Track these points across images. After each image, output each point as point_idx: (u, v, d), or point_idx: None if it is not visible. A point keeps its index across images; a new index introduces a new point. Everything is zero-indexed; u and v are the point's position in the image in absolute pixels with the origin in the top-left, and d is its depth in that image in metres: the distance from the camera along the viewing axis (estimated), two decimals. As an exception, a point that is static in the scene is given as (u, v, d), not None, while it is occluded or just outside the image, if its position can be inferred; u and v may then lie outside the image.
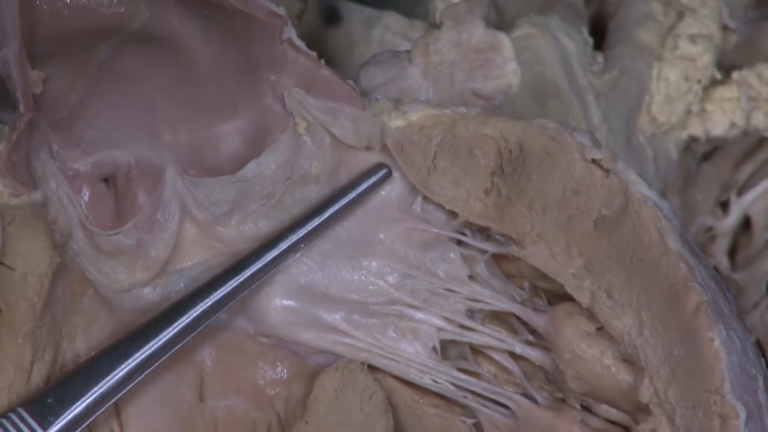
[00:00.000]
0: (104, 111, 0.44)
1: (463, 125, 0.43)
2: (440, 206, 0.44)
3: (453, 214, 0.44)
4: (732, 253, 0.62)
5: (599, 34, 0.58)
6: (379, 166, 0.44)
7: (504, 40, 0.44)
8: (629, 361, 0.41)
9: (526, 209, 0.42)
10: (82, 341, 0.43)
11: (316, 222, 0.44)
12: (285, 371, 0.45)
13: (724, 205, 0.62)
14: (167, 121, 0.45)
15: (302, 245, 0.44)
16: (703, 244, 0.61)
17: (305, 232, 0.43)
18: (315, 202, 0.44)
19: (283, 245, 0.43)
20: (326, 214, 0.44)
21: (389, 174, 0.44)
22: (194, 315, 0.42)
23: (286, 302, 0.44)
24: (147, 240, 0.44)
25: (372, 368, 0.44)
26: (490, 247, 0.44)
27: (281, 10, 0.42)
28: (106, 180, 0.45)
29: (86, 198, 0.44)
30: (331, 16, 0.62)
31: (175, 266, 0.44)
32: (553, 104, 0.52)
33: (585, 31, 0.55)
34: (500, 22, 0.58)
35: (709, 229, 0.61)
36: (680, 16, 0.57)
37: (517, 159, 0.42)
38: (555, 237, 0.41)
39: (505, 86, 0.44)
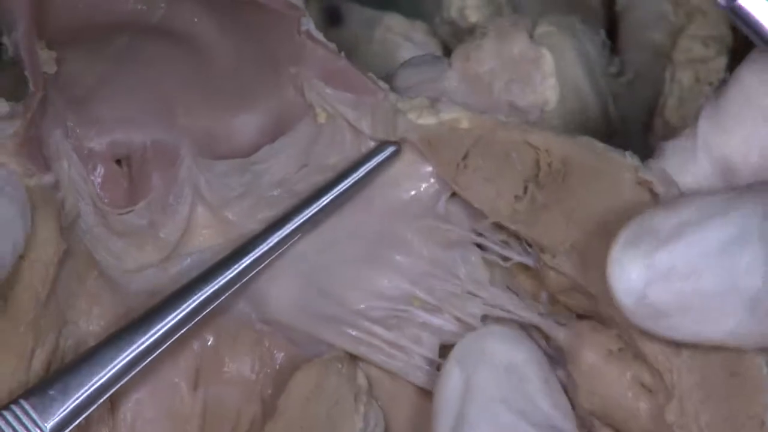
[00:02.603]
0: (122, 92, 0.44)
1: (504, 131, 0.42)
2: (465, 209, 0.44)
3: (480, 216, 0.43)
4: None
5: (611, 35, 0.58)
6: (387, 143, 0.43)
7: (546, 55, 0.44)
8: (647, 385, 0.40)
9: (563, 219, 0.41)
10: (84, 324, 0.43)
11: (323, 202, 0.43)
12: (279, 361, 0.45)
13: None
14: (184, 107, 0.45)
15: (309, 226, 0.43)
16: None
17: (311, 212, 0.43)
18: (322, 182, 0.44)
19: (289, 227, 0.42)
20: (333, 194, 0.43)
21: (398, 152, 0.43)
22: (198, 300, 0.41)
23: (291, 289, 0.44)
24: (159, 221, 0.44)
25: (360, 359, 0.44)
26: (515, 255, 0.43)
27: (299, 2, 0.42)
28: (119, 161, 0.45)
29: (100, 177, 0.44)
30: (333, 17, 0.61)
31: (186, 249, 0.44)
32: (572, 103, 0.51)
33: (603, 33, 0.55)
34: (518, 21, 0.58)
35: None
36: (690, 17, 0.57)
37: (558, 173, 0.41)
38: (590, 249, 0.40)
39: (542, 102, 0.44)
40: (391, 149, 0.43)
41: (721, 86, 0.40)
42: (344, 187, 0.43)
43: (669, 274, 0.35)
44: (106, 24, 0.42)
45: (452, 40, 0.59)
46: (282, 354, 0.44)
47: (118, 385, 0.40)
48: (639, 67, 0.56)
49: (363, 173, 0.43)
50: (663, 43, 0.56)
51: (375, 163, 0.43)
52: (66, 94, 0.43)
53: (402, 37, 0.60)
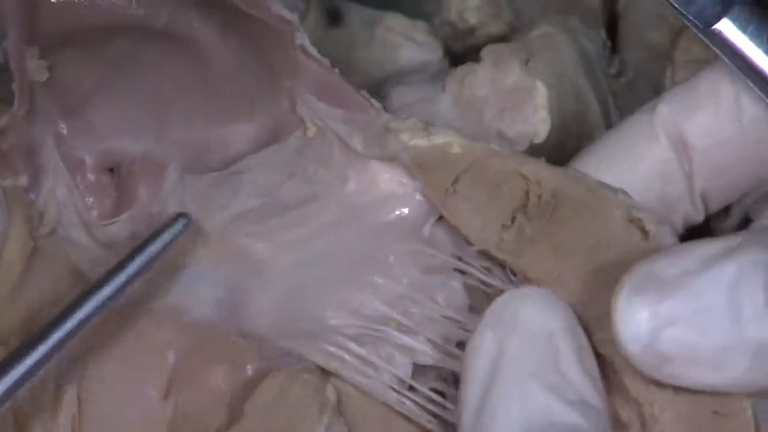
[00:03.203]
0: (116, 101, 0.44)
1: (496, 159, 0.42)
2: (450, 234, 0.43)
3: (465, 243, 0.43)
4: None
5: (611, 35, 0.58)
6: (180, 215, 0.43)
7: (540, 87, 0.44)
8: (622, 420, 0.40)
9: (550, 252, 0.41)
10: None
11: (115, 284, 0.41)
12: (250, 372, 0.44)
13: (726, 208, 0.62)
14: (179, 116, 0.45)
15: (106, 305, 0.41)
16: (706, 245, 0.61)
17: (104, 297, 0.41)
18: (114, 261, 0.42)
19: (77, 316, 0.40)
20: (125, 274, 0.41)
21: (188, 224, 0.43)
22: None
23: (269, 303, 0.44)
24: (141, 233, 0.44)
25: (334, 376, 0.43)
26: (498, 282, 0.43)
27: (293, 17, 0.42)
28: (111, 169, 0.45)
29: (88, 186, 0.44)
30: (333, 17, 0.61)
31: (170, 263, 0.44)
32: (573, 104, 0.51)
33: (603, 33, 0.55)
34: (517, 22, 0.58)
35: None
36: (689, 16, 0.57)
37: (548, 205, 0.41)
38: (576, 282, 0.41)
39: (532, 133, 0.45)
40: (182, 222, 0.43)
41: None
42: (137, 266, 0.42)
43: (675, 322, 0.36)
44: (107, 27, 0.42)
45: (453, 41, 0.59)
46: (253, 366, 0.44)
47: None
48: (639, 67, 0.56)
49: (158, 247, 0.42)
50: (663, 43, 0.56)
51: (169, 237, 0.42)
52: (60, 101, 0.43)
53: (403, 37, 0.60)
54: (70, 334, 0.40)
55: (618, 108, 0.54)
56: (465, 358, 0.39)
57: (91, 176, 0.45)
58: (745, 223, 0.62)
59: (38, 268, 0.42)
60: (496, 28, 0.57)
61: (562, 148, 0.51)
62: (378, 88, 0.55)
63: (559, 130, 0.51)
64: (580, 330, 0.40)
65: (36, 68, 0.42)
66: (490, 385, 0.38)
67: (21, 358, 0.39)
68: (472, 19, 0.57)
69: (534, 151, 0.50)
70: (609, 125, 0.52)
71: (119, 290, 0.41)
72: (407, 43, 0.60)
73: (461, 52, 0.58)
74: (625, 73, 0.55)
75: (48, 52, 0.42)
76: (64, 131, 0.44)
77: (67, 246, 0.44)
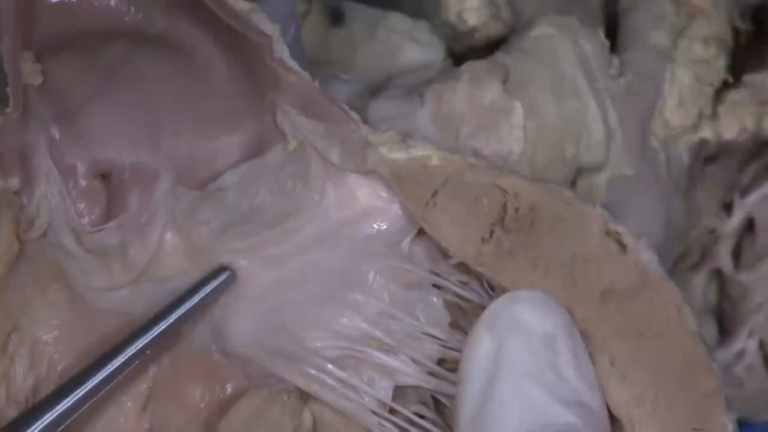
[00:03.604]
0: (109, 109, 0.44)
1: (474, 173, 0.42)
2: (427, 250, 0.43)
3: (443, 257, 0.43)
4: (736, 254, 0.62)
5: (611, 35, 0.58)
6: (221, 269, 0.43)
7: (517, 107, 0.44)
8: None
9: (528, 266, 0.41)
10: (37, 331, 0.43)
11: (153, 334, 0.42)
12: (229, 391, 0.44)
13: (728, 207, 0.62)
14: (170, 127, 0.45)
15: (146, 352, 0.42)
16: (707, 245, 0.61)
17: (142, 344, 0.42)
18: (155, 309, 0.43)
19: (118, 361, 0.41)
20: (165, 324, 0.42)
21: (232, 278, 0.43)
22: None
23: (253, 324, 0.43)
24: (129, 242, 0.44)
25: (313, 399, 0.43)
26: (475, 297, 0.43)
27: (274, 29, 0.42)
28: (103, 176, 0.45)
29: (80, 192, 0.44)
30: (335, 17, 0.61)
31: (156, 273, 0.44)
32: (571, 104, 0.51)
33: (601, 33, 0.55)
34: (516, 22, 0.58)
35: (713, 230, 0.61)
36: (691, 17, 0.56)
37: (525, 218, 0.41)
38: (555, 297, 0.41)
39: (507, 152, 0.44)
40: (225, 275, 0.43)
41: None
42: (178, 316, 0.43)
43: None
44: (102, 33, 0.42)
45: (453, 42, 0.59)
46: (233, 385, 0.44)
47: None
48: (639, 67, 0.55)
49: (198, 300, 0.43)
50: (663, 43, 0.56)
51: (209, 290, 0.43)
52: (54, 106, 0.43)
53: (405, 37, 0.60)
54: (103, 382, 0.41)
55: (617, 109, 0.53)
56: (462, 359, 0.39)
57: (82, 182, 0.45)
58: (748, 223, 0.62)
59: (23, 271, 0.42)
60: (495, 29, 0.57)
61: (561, 147, 0.51)
62: (380, 89, 0.55)
63: (557, 131, 0.51)
64: (576, 331, 0.40)
65: (31, 71, 0.41)
66: (488, 386, 0.38)
67: (52, 405, 0.40)
68: (471, 20, 0.57)
69: (531, 152, 0.50)
70: (607, 126, 0.52)
71: (158, 338, 0.42)
72: (409, 43, 0.60)
73: (462, 53, 0.58)
74: (625, 73, 0.55)
75: (42, 56, 0.42)
76: (57, 136, 0.44)
77: (56, 251, 0.44)
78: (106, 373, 0.41)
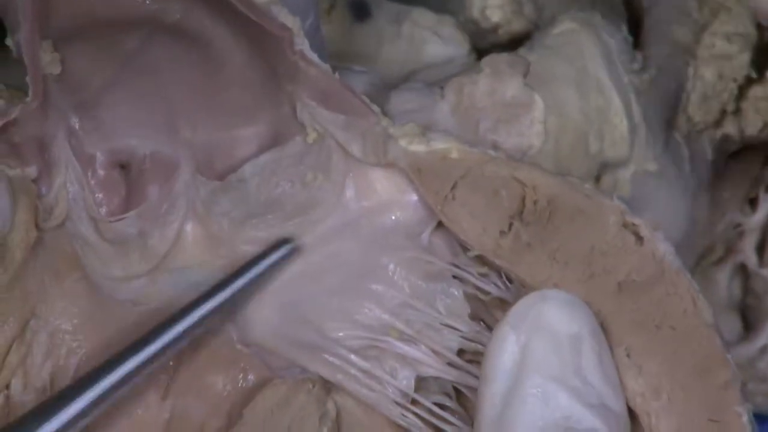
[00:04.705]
0: (127, 99, 0.44)
1: (494, 166, 0.42)
2: (447, 242, 0.43)
3: (462, 250, 0.43)
4: (760, 249, 0.62)
5: (634, 31, 0.58)
6: (284, 241, 0.43)
7: (537, 101, 0.44)
8: None
9: (546, 258, 0.41)
10: (56, 320, 0.43)
11: (213, 304, 0.42)
12: (251, 381, 0.44)
13: (753, 202, 0.62)
14: (187, 118, 0.45)
15: (204, 324, 0.42)
16: (732, 240, 0.61)
17: (200, 315, 0.42)
18: (216, 279, 0.43)
19: (178, 329, 0.41)
20: (226, 294, 0.42)
21: (295, 249, 0.43)
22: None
23: (275, 315, 0.43)
24: (149, 231, 0.44)
25: (336, 389, 0.43)
26: (494, 290, 0.43)
27: (294, 21, 0.41)
28: (122, 166, 0.45)
29: (99, 182, 0.44)
30: (360, 12, 0.61)
31: (174, 263, 0.44)
32: (595, 100, 0.51)
33: (624, 29, 0.55)
34: (539, 18, 0.58)
35: (738, 225, 0.61)
36: (714, 13, 0.56)
37: (544, 211, 0.41)
38: (573, 290, 0.41)
39: (526, 146, 0.44)
40: (287, 247, 0.43)
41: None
42: (240, 286, 0.42)
43: None
44: (119, 22, 0.42)
45: (476, 39, 0.59)
46: (255, 375, 0.44)
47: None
48: (662, 62, 0.55)
49: (259, 271, 0.43)
50: (686, 39, 0.56)
51: (271, 261, 0.43)
52: (73, 96, 0.43)
53: (430, 32, 0.60)
54: (165, 348, 0.41)
55: (640, 104, 0.53)
56: (486, 356, 0.39)
57: (101, 172, 0.45)
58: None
59: (41, 259, 0.42)
60: (518, 25, 0.58)
61: (584, 142, 0.51)
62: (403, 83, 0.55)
63: (580, 126, 0.51)
64: (601, 333, 0.40)
65: (49, 61, 0.41)
66: (512, 387, 0.38)
67: (133, 354, 0.40)
68: (494, 16, 0.57)
69: (555, 147, 0.50)
70: (631, 121, 0.52)
71: (219, 308, 0.42)
72: (434, 38, 0.60)
73: (485, 50, 0.58)
74: (648, 68, 0.55)
75: (60, 46, 0.42)
76: (76, 126, 0.44)
77: (74, 241, 0.44)
78: (161, 344, 0.41)
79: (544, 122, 0.43)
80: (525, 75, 0.44)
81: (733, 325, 0.62)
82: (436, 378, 0.44)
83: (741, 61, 0.56)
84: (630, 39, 0.54)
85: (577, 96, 0.51)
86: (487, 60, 0.44)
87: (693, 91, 0.55)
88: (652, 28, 0.57)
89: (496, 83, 0.45)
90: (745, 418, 0.38)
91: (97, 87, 0.43)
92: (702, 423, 0.38)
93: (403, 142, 0.42)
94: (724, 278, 0.62)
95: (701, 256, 0.62)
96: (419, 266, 0.43)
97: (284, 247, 0.43)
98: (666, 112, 0.55)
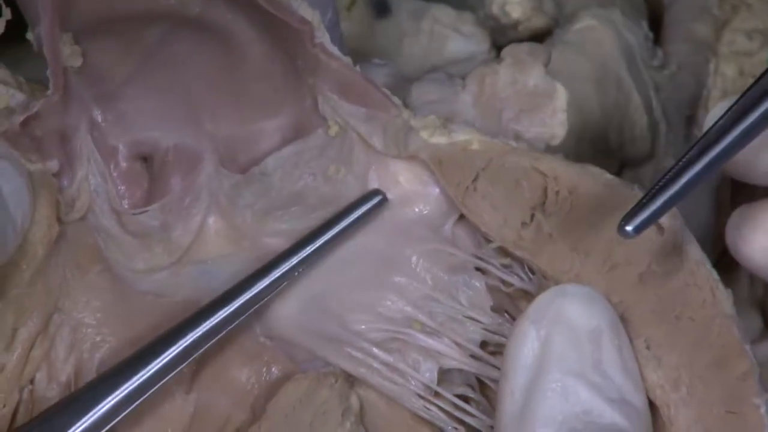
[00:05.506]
0: (150, 92, 0.44)
1: (514, 156, 0.42)
2: (470, 234, 0.43)
3: (484, 242, 0.43)
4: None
5: (654, 27, 0.58)
6: (374, 192, 0.43)
7: (560, 90, 0.43)
8: None
9: (568, 249, 0.41)
10: (79, 314, 0.43)
11: (305, 252, 0.42)
12: (275, 374, 0.44)
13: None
14: (210, 111, 0.44)
15: (297, 272, 0.42)
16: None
17: (291, 264, 0.42)
18: (309, 229, 0.43)
19: (271, 277, 0.42)
20: (318, 243, 0.43)
21: (384, 200, 0.43)
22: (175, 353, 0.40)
23: (298, 308, 0.43)
24: (172, 224, 0.44)
25: (359, 383, 0.43)
26: (516, 281, 0.43)
27: (314, 15, 0.41)
28: (145, 159, 0.45)
29: (121, 174, 0.44)
30: (381, 9, 0.61)
31: (197, 255, 0.44)
32: (615, 95, 0.51)
33: (645, 25, 0.55)
34: (559, 15, 0.58)
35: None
36: (735, 9, 0.56)
37: (565, 201, 0.41)
38: (594, 281, 0.40)
39: (549, 136, 0.44)
40: (377, 198, 0.43)
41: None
42: (331, 236, 0.43)
43: None
44: (139, 15, 0.42)
45: (496, 35, 0.59)
46: (279, 368, 0.44)
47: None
48: (682, 59, 0.55)
49: (350, 221, 0.43)
50: (707, 35, 0.56)
51: (362, 212, 0.43)
52: (94, 89, 0.43)
53: (450, 29, 0.60)
54: (257, 299, 0.42)
55: (661, 100, 0.53)
56: (507, 351, 0.39)
57: (123, 164, 0.44)
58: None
59: (63, 253, 0.42)
60: (538, 22, 0.58)
61: (605, 139, 0.51)
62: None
63: (601, 122, 0.51)
64: (621, 327, 0.39)
65: (70, 54, 0.41)
66: (532, 381, 0.38)
67: (221, 308, 0.41)
68: (515, 12, 0.57)
69: (576, 143, 0.50)
70: (651, 117, 0.52)
71: (312, 256, 0.43)
72: (454, 35, 0.60)
73: (505, 46, 0.58)
74: (668, 65, 0.55)
75: (81, 39, 0.41)
76: (98, 118, 0.43)
77: (96, 233, 0.44)
78: (239, 304, 0.41)
79: (566, 111, 0.43)
80: (546, 64, 0.43)
81: (754, 322, 0.62)
82: (459, 370, 0.43)
83: (761, 57, 0.56)
84: (650, 35, 0.55)
85: (596, 92, 0.51)
86: (507, 50, 0.44)
87: (714, 87, 0.55)
88: (672, 25, 0.57)
89: (518, 73, 0.44)
90: (763, 410, 0.38)
91: (119, 80, 0.43)
92: (720, 415, 0.38)
93: (424, 134, 0.42)
94: (746, 275, 0.62)
95: (724, 252, 0.61)
96: (442, 258, 0.43)
97: (375, 198, 0.43)
98: (686, 108, 0.55)
